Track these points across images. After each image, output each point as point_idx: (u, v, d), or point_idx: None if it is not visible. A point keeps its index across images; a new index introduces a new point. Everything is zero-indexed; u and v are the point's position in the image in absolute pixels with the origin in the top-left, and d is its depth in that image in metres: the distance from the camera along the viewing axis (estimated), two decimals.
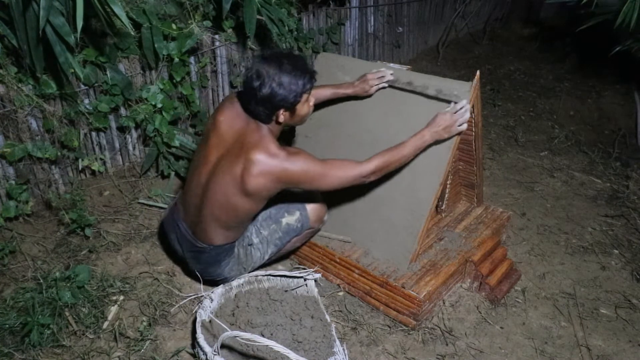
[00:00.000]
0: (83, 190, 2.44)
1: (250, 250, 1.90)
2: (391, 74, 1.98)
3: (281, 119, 1.66)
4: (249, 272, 1.95)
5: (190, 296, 1.92)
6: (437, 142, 1.84)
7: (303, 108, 1.70)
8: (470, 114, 1.88)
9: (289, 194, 1.98)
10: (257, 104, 1.62)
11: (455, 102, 1.81)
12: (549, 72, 4.87)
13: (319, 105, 2.12)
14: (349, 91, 2.05)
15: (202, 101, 2.89)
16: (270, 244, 1.92)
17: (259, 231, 1.91)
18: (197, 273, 1.91)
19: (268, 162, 1.62)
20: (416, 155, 1.85)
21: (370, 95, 2.05)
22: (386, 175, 1.96)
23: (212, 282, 1.95)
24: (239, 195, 1.67)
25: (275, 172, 1.62)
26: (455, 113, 1.78)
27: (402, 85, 1.96)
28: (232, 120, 1.72)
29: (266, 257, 1.95)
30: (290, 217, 1.93)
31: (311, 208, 1.97)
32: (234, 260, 1.87)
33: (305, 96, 1.67)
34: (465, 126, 1.81)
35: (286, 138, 2.33)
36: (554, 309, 2.12)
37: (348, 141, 2.13)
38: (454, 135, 1.81)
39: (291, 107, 1.65)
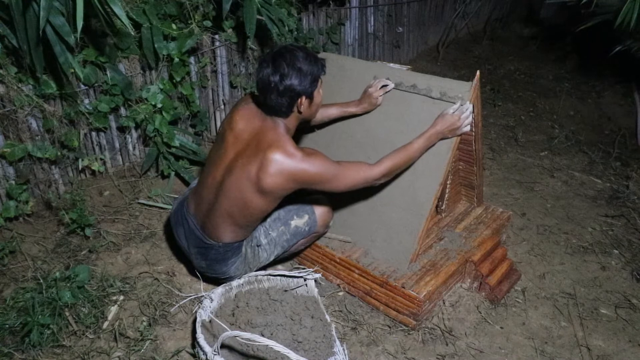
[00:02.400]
0: (83, 190, 2.44)
1: (258, 250, 1.90)
2: (390, 81, 1.98)
3: (302, 108, 1.68)
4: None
5: (191, 296, 1.92)
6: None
7: (318, 96, 1.73)
8: (470, 113, 1.88)
9: (297, 196, 1.99)
10: (280, 96, 1.63)
11: (461, 103, 1.82)
12: (549, 72, 4.87)
13: (323, 124, 2.12)
14: (356, 110, 2.05)
15: (202, 101, 2.89)
16: (277, 245, 1.93)
17: (267, 232, 1.91)
18: (199, 270, 1.92)
19: (285, 161, 1.63)
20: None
21: (378, 105, 2.04)
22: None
23: (213, 281, 1.95)
24: (254, 193, 1.68)
25: (292, 172, 1.64)
26: (461, 114, 1.81)
27: (406, 89, 1.96)
28: (248, 118, 1.74)
29: (272, 258, 1.95)
30: (299, 219, 1.94)
31: (319, 212, 1.98)
32: (240, 260, 1.87)
33: (320, 81, 1.71)
34: (469, 127, 1.83)
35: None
36: (554, 309, 2.12)
37: (349, 142, 2.13)
38: (457, 136, 1.84)
39: (310, 94, 1.68)
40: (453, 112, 1.82)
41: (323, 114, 2.04)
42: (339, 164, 1.71)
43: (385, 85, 2.00)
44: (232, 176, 1.70)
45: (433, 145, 1.86)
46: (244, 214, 1.73)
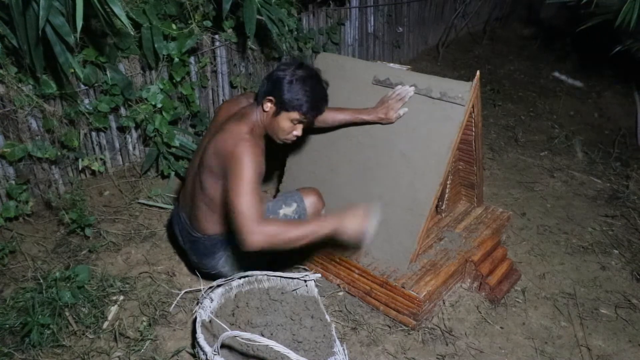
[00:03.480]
0: (83, 190, 2.44)
1: None
2: (413, 90, 1.91)
3: (266, 106, 1.70)
4: (246, 270, 1.96)
5: (189, 290, 1.92)
6: (435, 140, 1.85)
7: (284, 122, 1.70)
8: (470, 114, 1.88)
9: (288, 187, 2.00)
10: (267, 79, 1.70)
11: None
12: (549, 72, 4.87)
13: (333, 128, 2.11)
14: (369, 117, 1.99)
15: (202, 101, 2.89)
16: None
17: None
18: (194, 266, 1.96)
19: (229, 135, 1.64)
20: (413, 149, 1.86)
21: (392, 122, 1.97)
22: (386, 174, 1.96)
23: (210, 277, 1.96)
24: (208, 174, 1.72)
25: (223, 144, 1.63)
26: (362, 226, 1.65)
27: None
28: (229, 108, 1.81)
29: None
30: (288, 208, 1.94)
31: (308, 200, 1.98)
32: (228, 254, 1.88)
33: (294, 114, 1.67)
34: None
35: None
36: (554, 309, 2.12)
37: (349, 142, 2.12)
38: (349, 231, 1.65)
39: (279, 106, 1.67)
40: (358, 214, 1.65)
41: (334, 118, 2.02)
42: (255, 192, 1.55)
43: (404, 97, 1.92)
44: (203, 164, 1.74)
45: (426, 144, 1.84)
46: (215, 202, 1.75)
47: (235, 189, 1.55)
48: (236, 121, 1.69)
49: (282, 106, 1.67)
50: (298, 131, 1.73)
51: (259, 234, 1.51)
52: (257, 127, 1.73)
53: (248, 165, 1.57)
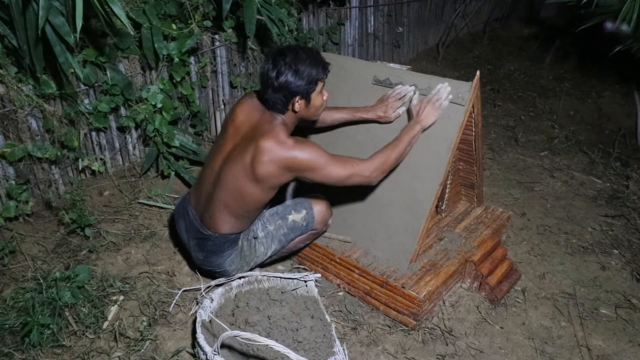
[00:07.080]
0: (83, 190, 2.44)
1: (255, 243, 1.92)
2: (413, 91, 1.92)
3: (296, 107, 1.71)
4: (250, 269, 1.96)
5: (188, 289, 1.92)
6: (435, 140, 1.85)
7: (317, 98, 1.75)
8: (470, 114, 1.88)
9: (297, 194, 1.99)
10: (274, 92, 1.67)
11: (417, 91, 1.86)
12: (549, 72, 4.87)
13: (332, 127, 2.12)
14: (367, 115, 2.00)
15: (202, 101, 2.89)
16: (274, 239, 1.94)
17: (264, 226, 1.93)
18: (197, 263, 1.95)
19: (276, 149, 1.66)
20: (413, 149, 1.88)
21: (390, 122, 1.98)
22: (386, 174, 1.97)
23: (211, 276, 1.96)
24: (248, 182, 1.71)
25: (283, 159, 1.66)
26: (432, 98, 1.83)
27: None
28: (249, 112, 1.79)
29: (269, 253, 1.96)
30: (297, 214, 1.95)
31: (318, 209, 1.99)
32: (236, 253, 1.89)
33: (320, 85, 1.72)
34: (446, 103, 1.83)
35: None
36: (554, 309, 2.11)
37: (349, 142, 2.12)
38: (434, 121, 1.84)
39: (306, 95, 1.70)
40: (425, 99, 1.84)
41: (333, 117, 2.04)
42: (331, 155, 1.73)
43: (404, 96, 1.94)
44: (228, 166, 1.74)
45: (418, 136, 1.86)
46: (239, 204, 1.76)
47: (329, 172, 1.71)
48: (269, 136, 1.67)
49: (307, 92, 1.69)
50: (326, 95, 1.79)
51: (371, 172, 1.76)
52: (289, 126, 1.76)
53: (313, 154, 1.68)
